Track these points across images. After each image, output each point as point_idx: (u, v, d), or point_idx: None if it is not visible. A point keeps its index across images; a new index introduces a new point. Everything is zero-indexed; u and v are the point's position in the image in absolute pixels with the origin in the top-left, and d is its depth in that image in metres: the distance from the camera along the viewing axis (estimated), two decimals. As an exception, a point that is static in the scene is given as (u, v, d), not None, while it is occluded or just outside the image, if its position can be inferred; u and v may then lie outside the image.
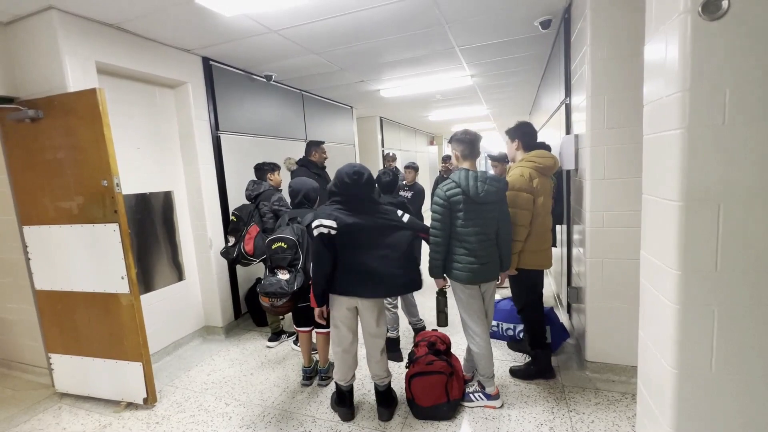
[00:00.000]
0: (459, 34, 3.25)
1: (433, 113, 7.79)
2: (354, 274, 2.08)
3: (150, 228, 3.15)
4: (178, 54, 3.18)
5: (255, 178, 3.29)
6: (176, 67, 3.16)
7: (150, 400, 2.49)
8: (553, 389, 2.44)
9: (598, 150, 2.32)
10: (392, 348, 2.96)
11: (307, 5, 2.52)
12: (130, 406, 2.54)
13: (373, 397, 2.46)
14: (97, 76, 2.55)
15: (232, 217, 3.13)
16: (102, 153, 2.27)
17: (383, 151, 7.84)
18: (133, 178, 2.97)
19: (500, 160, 4.06)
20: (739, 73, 0.98)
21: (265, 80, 4.17)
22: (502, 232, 2.23)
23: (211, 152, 3.48)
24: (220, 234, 3.50)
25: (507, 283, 2.52)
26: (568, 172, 2.96)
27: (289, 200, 3.38)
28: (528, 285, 2.51)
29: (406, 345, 3.09)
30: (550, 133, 4.14)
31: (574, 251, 2.91)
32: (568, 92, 2.99)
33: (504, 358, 2.85)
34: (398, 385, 2.53)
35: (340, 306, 2.18)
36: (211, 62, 3.48)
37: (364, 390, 2.57)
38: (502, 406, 2.30)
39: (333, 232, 1.99)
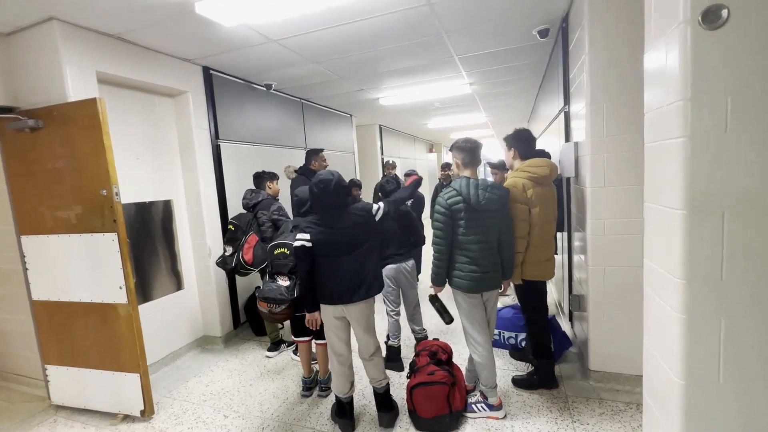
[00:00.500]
0: (458, 43, 3.27)
1: (432, 121, 7.83)
2: (332, 283, 2.11)
3: (149, 237, 3.14)
4: (179, 64, 3.19)
5: (253, 187, 3.28)
6: (176, 77, 3.17)
7: (147, 412, 2.45)
8: (556, 399, 2.41)
9: (598, 158, 2.32)
10: (393, 357, 2.94)
11: (307, 15, 2.54)
12: (127, 418, 2.50)
13: (374, 408, 2.42)
14: (97, 85, 2.56)
15: (229, 226, 3.12)
16: (101, 162, 2.27)
17: (383, 158, 7.85)
18: (133, 186, 2.96)
19: (500, 168, 4.06)
20: (741, 82, 0.98)
21: (264, 89, 4.19)
22: (504, 240, 2.22)
23: (210, 161, 3.48)
24: (220, 243, 3.48)
25: (510, 291, 2.51)
26: (568, 179, 2.96)
27: (289, 209, 3.39)
28: (532, 295, 2.48)
29: (408, 354, 3.06)
30: (549, 141, 4.16)
31: (575, 258, 2.89)
32: (566, 100, 3.00)
33: (506, 367, 2.82)
34: (399, 396, 2.49)
35: (328, 315, 2.19)
36: (212, 71, 3.49)
37: (365, 401, 2.54)
38: (505, 417, 2.27)
39: (308, 245, 2.07)
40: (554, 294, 4.11)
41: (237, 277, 3.64)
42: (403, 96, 5.14)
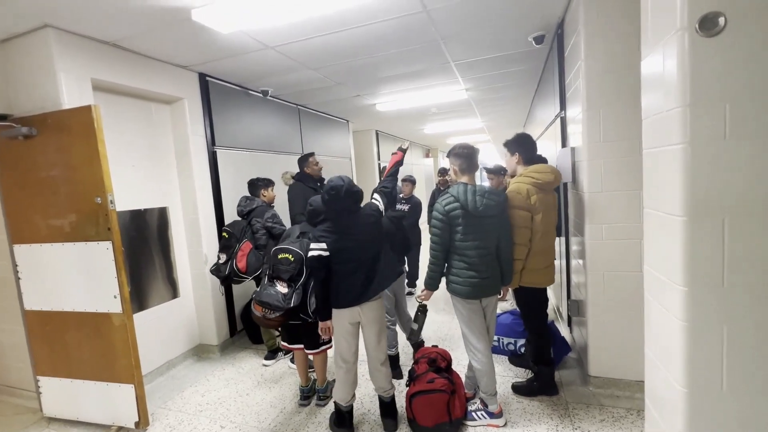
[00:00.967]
0: (454, 49, 3.29)
1: (428, 126, 7.86)
2: (349, 286, 2.11)
3: (144, 245, 3.10)
4: (175, 70, 3.18)
5: (248, 194, 3.26)
6: (173, 84, 3.16)
7: (142, 423, 2.40)
8: (556, 406, 2.39)
9: (595, 163, 2.32)
10: (392, 365, 2.90)
11: (304, 22, 2.55)
12: (122, 430, 2.45)
13: (373, 417, 2.40)
14: (92, 92, 2.54)
15: (223, 234, 3.08)
16: (96, 170, 2.24)
17: (379, 164, 7.86)
18: (128, 194, 2.94)
19: (496, 173, 4.06)
20: (738, 88, 0.98)
21: (261, 95, 4.18)
22: (502, 246, 2.21)
23: (207, 168, 3.46)
24: (216, 250, 3.44)
25: (508, 296, 2.49)
26: (566, 184, 2.96)
27: (285, 215, 3.37)
28: (532, 302, 2.47)
29: (406, 361, 3.03)
30: (545, 145, 4.17)
31: (573, 263, 2.89)
32: (563, 106, 3.01)
33: (505, 374, 2.80)
34: (399, 404, 2.46)
35: (342, 320, 2.17)
36: (208, 78, 3.48)
37: (363, 410, 2.51)
38: (505, 425, 2.24)
39: (324, 254, 2.07)
40: (553, 299, 4.10)
41: (233, 284, 3.60)
42: (400, 102, 5.16)
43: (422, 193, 10.88)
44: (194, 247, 3.41)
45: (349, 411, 2.28)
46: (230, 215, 3.59)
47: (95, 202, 2.27)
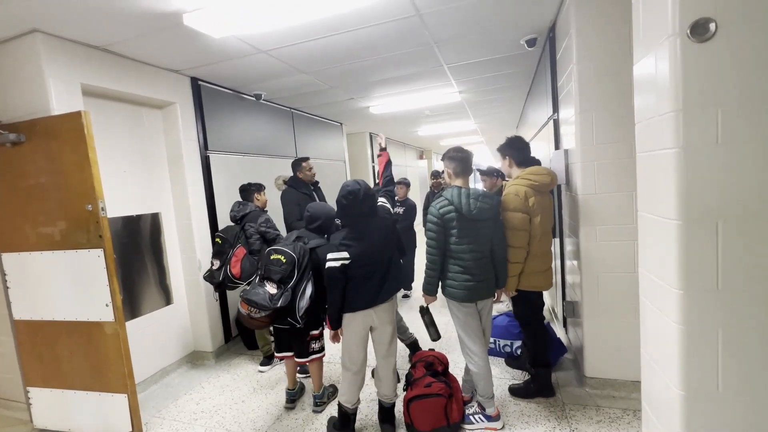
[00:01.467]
0: (447, 52, 3.30)
1: (422, 128, 7.87)
2: (367, 290, 2.11)
3: (137, 251, 3.06)
4: (166, 75, 3.15)
5: (240, 200, 3.24)
6: (164, 88, 3.13)
7: (135, 434, 2.37)
8: (553, 408, 2.39)
9: (589, 165, 2.34)
10: (388, 369, 2.89)
11: (297, 26, 2.54)
12: (114, 441, 2.41)
13: (371, 421, 2.39)
14: (82, 98, 2.50)
15: (216, 239, 3.05)
16: (87, 177, 2.21)
17: (373, 167, 7.86)
18: (120, 200, 2.90)
19: (489, 174, 4.07)
20: (730, 93, 0.99)
21: (254, 99, 4.16)
22: (497, 249, 2.21)
23: (200, 172, 3.43)
24: (210, 256, 3.41)
25: (504, 298, 2.50)
26: (559, 186, 2.98)
27: (278, 219, 3.35)
28: (528, 305, 2.47)
29: (403, 365, 3.02)
30: (538, 147, 4.20)
31: (568, 264, 2.91)
32: (555, 108, 3.04)
33: (502, 376, 2.80)
34: (396, 409, 2.45)
35: (356, 325, 2.15)
36: (200, 82, 3.46)
37: (361, 414, 2.49)
38: (503, 428, 2.24)
39: (347, 263, 2.05)
40: (548, 300, 4.12)
41: (227, 290, 3.56)
42: (394, 104, 5.16)
43: (416, 196, 10.90)
44: (188, 253, 3.38)
45: (354, 413, 2.26)
46: (224, 220, 3.56)
47: (86, 210, 2.23)
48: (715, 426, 1.09)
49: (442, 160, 2.30)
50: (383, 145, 2.76)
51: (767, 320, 1.02)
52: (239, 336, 3.71)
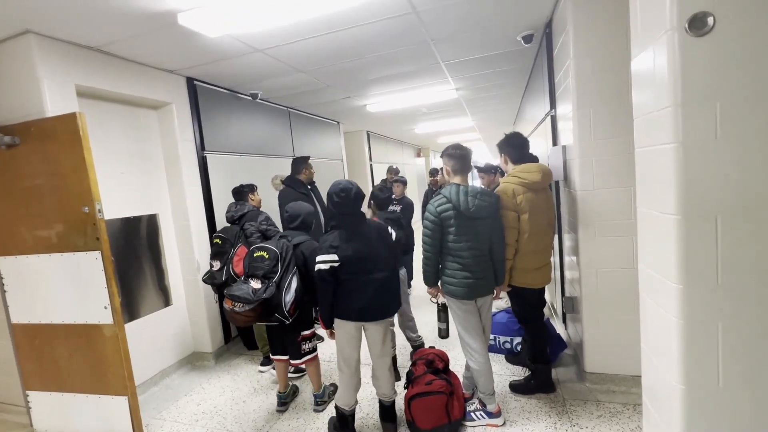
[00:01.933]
0: (444, 50, 3.29)
1: (419, 126, 7.86)
2: (357, 301, 2.08)
3: (135, 253, 3.05)
4: (162, 75, 3.13)
5: (234, 201, 3.24)
6: (160, 88, 3.11)
7: (136, 436, 2.36)
8: (554, 403, 2.40)
9: (587, 161, 2.34)
10: (389, 367, 2.90)
11: (293, 24, 2.52)
12: (115, 443, 2.40)
13: (373, 420, 2.39)
14: (77, 99, 2.48)
15: (215, 240, 3.05)
16: (83, 179, 2.19)
17: (371, 165, 7.85)
18: (117, 202, 2.88)
19: (486, 171, 4.08)
20: (729, 88, 0.99)
21: (250, 98, 4.14)
22: (495, 247, 2.21)
23: (197, 173, 3.41)
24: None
25: (503, 294, 2.50)
26: (557, 182, 2.98)
27: (275, 218, 3.34)
28: (526, 302, 2.47)
29: (404, 363, 3.02)
30: (536, 143, 4.20)
31: (567, 260, 2.91)
32: (553, 104, 3.03)
33: (502, 372, 2.81)
34: (397, 407, 2.45)
35: (347, 327, 2.15)
36: (196, 82, 3.44)
37: (362, 413, 2.49)
38: (504, 424, 2.25)
39: (336, 265, 2.02)
40: (548, 296, 4.13)
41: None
42: (391, 102, 5.15)
43: (414, 193, 10.90)
44: (186, 254, 3.36)
45: (352, 415, 2.26)
46: (222, 221, 3.54)
47: (83, 212, 2.22)
48: (715, 420, 1.09)
49: (441, 157, 2.30)
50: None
51: (767, 314, 1.02)
52: (239, 336, 3.70)
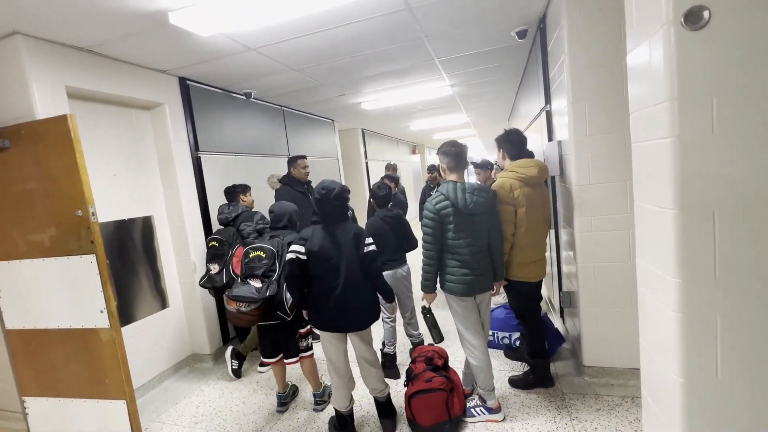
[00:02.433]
0: (437, 46, 3.28)
1: (414, 123, 7.85)
2: (324, 311, 2.09)
3: (130, 255, 3.02)
4: (154, 75, 3.10)
5: (227, 202, 3.21)
6: (152, 89, 3.07)
7: (136, 439, 2.34)
8: (553, 397, 2.42)
9: (583, 156, 2.34)
10: (389, 365, 2.90)
11: (286, 23, 2.50)
12: (115, 447, 2.39)
13: (373, 418, 2.39)
14: (67, 101, 2.45)
15: (212, 243, 3.01)
16: (75, 182, 2.16)
17: (367, 163, 7.83)
18: (111, 204, 2.85)
19: (483, 167, 4.09)
20: (725, 82, 0.99)
21: (244, 98, 4.10)
22: (494, 243, 2.21)
23: (191, 174, 3.38)
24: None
25: (501, 290, 2.51)
26: (553, 177, 2.99)
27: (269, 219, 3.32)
28: (523, 296, 2.49)
29: (403, 360, 3.03)
30: (531, 138, 4.19)
31: (564, 255, 2.92)
32: (547, 99, 3.03)
33: (502, 368, 2.82)
34: (397, 405, 2.46)
35: (326, 336, 2.17)
36: (189, 82, 3.40)
37: (363, 412, 2.49)
38: (504, 420, 2.26)
39: (302, 258, 2.05)
40: (545, 291, 4.15)
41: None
42: (385, 99, 5.13)
43: (410, 191, 10.89)
44: (182, 256, 3.34)
45: (350, 415, 2.26)
46: (217, 222, 3.52)
47: (76, 215, 2.19)
48: (714, 412, 1.10)
49: (437, 155, 2.30)
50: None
51: (765, 307, 1.03)
52: (237, 338, 3.69)
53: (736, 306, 1.04)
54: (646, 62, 1.14)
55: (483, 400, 2.28)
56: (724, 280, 1.04)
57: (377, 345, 2.69)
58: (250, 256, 2.32)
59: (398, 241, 2.89)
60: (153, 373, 3.11)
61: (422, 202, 5.06)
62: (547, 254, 3.56)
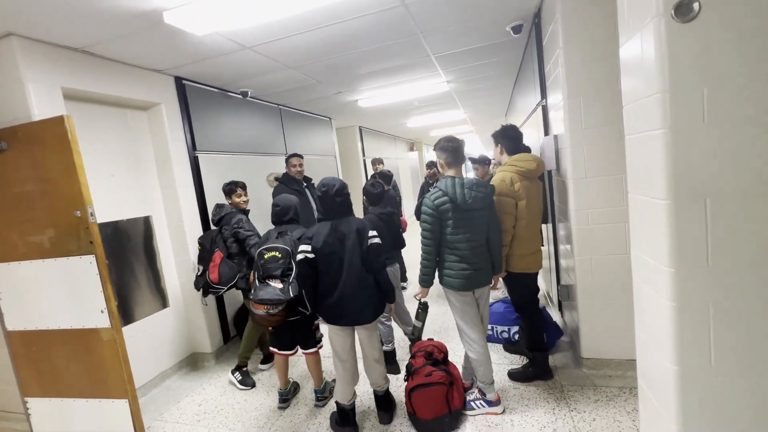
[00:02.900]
0: (433, 42, 3.28)
1: (411, 120, 7.85)
2: (330, 305, 2.13)
3: (129, 256, 3.03)
4: (150, 75, 3.09)
5: (225, 201, 3.18)
6: (148, 89, 3.07)
7: (139, 438, 2.36)
8: (552, 390, 2.44)
9: (578, 150, 2.36)
10: (389, 361, 2.91)
11: (281, 20, 2.50)
12: (118, 446, 2.40)
13: (373, 413, 2.41)
14: (64, 102, 2.45)
15: (198, 246, 3.00)
16: (73, 183, 2.17)
17: (364, 160, 7.83)
18: (109, 205, 2.85)
19: (481, 163, 4.10)
20: (715, 73, 1.00)
21: (241, 97, 4.10)
22: (492, 236, 2.23)
23: (189, 173, 3.39)
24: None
25: (500, 285, 2.53)
26: (550, 171, 3.00)
27: (271, 218, 3.32)
28: (522, 288, 2.51)
29: (403, 356, 3.05)
30: (528, 133, 4.21)
31: (561, 248, 2.94)
32: (543, 94, 3.04)
33: (501, 362, 2.85)
34: (398, 398, 2.48)
35: (333, 328, 2.20)
36: (185, 81, 3.40)
37: (363, 407, 2.51)
38: (503, 412, 2.28)
39: (310, 256, 2.09)
40: (543, 284, 4.17)
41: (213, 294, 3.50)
42: (382, 97, 5.13)
43: (408, 188, 10.90)
44: (181, 256, 3.35)
45: (352, 409, 2.29)
46: (216, 221, 3.53)
47: (75, 216, 2.20)
48: (709, 399, 1.12)
49: (434, 150, 2.31)
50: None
51: (756, 295, 1.05)
52: (238, 336, 3.70)
53: (728, 294, 1.06)
54: (638, 55, 1.15)
55: (482, 393, 2.30)
56: (717, 268, 1.06)
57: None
58: (266, 257, 2.30)
59: (392, 238, 2.90)
60: (154, 372, 3.12)
61: (420, 198, 5.08)
62: (543, 248, 3.59)
